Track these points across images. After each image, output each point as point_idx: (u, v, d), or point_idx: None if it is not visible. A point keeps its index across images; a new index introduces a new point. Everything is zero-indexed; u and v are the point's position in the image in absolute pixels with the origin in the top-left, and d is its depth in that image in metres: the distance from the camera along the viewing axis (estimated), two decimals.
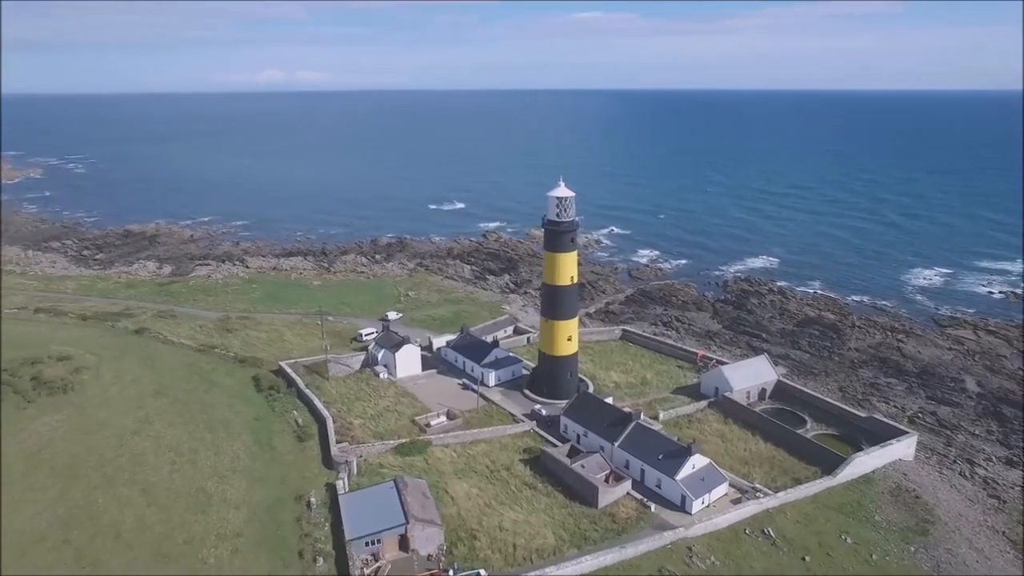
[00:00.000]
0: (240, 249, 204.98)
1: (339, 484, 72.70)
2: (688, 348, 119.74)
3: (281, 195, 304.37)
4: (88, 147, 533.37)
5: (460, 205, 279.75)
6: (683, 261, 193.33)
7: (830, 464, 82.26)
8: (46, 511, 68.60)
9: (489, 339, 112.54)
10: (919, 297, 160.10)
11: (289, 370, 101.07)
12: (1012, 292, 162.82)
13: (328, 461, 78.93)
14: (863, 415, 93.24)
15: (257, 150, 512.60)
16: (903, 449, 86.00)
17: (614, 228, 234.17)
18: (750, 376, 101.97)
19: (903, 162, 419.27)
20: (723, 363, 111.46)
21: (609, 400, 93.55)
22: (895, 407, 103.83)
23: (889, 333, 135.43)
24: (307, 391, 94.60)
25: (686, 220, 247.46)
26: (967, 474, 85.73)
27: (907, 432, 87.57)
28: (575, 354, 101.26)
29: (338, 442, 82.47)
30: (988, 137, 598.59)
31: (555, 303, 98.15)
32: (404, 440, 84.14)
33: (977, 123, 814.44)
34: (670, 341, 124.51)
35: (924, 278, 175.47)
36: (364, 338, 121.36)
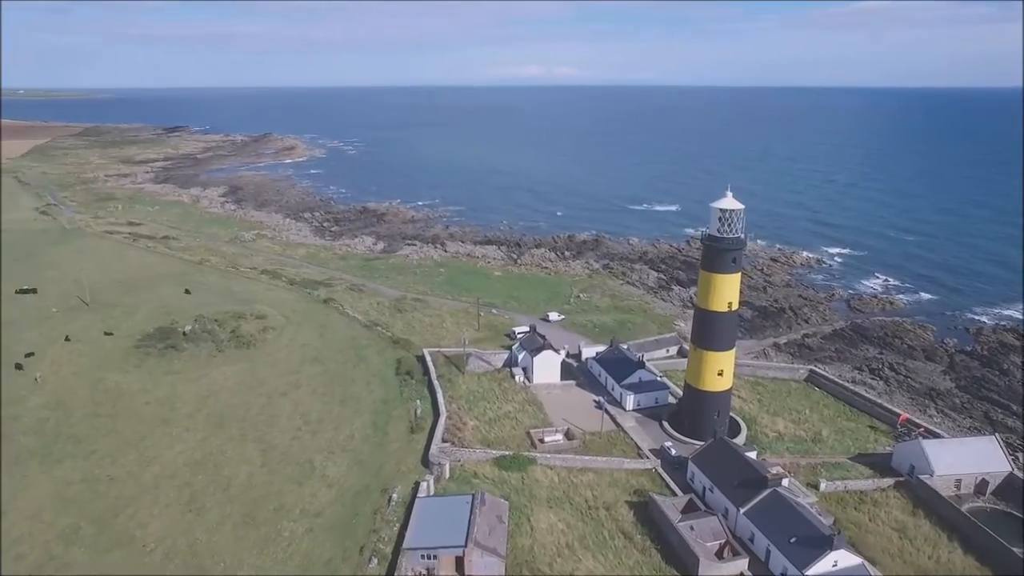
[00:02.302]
0: (447, 233, 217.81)
1: (423, 486, 71.14)
2: (890, 407, 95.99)
3: (503, 184, 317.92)
4: (369, 132, 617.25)
5: (674, 208, 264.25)
6: (926, 296, 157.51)
7: None
8: (187, 452, 78.21)
9: (641, 357, 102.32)
10: None
11: (428, 358, 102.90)
12: None
13: (428, 458, 78.07)
14: None
15: (498, 139, 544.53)
16: None
17: (846, 247, 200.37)
18: (965, 459, 77.86)
19: None
20: (934, 434, 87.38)
21: (752, 454, 78.37)
22: None
23: None
24: (436, 382, 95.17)
25: (947, 246, 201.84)
26: None
27: None
28: (727, 391, 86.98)
29: (444, 441, 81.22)
30: None
31: (707, 331, 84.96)
32: (508, 452, 79.83)
33: None
34: (868, 393, 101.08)
35: None
36: (516, 336, 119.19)
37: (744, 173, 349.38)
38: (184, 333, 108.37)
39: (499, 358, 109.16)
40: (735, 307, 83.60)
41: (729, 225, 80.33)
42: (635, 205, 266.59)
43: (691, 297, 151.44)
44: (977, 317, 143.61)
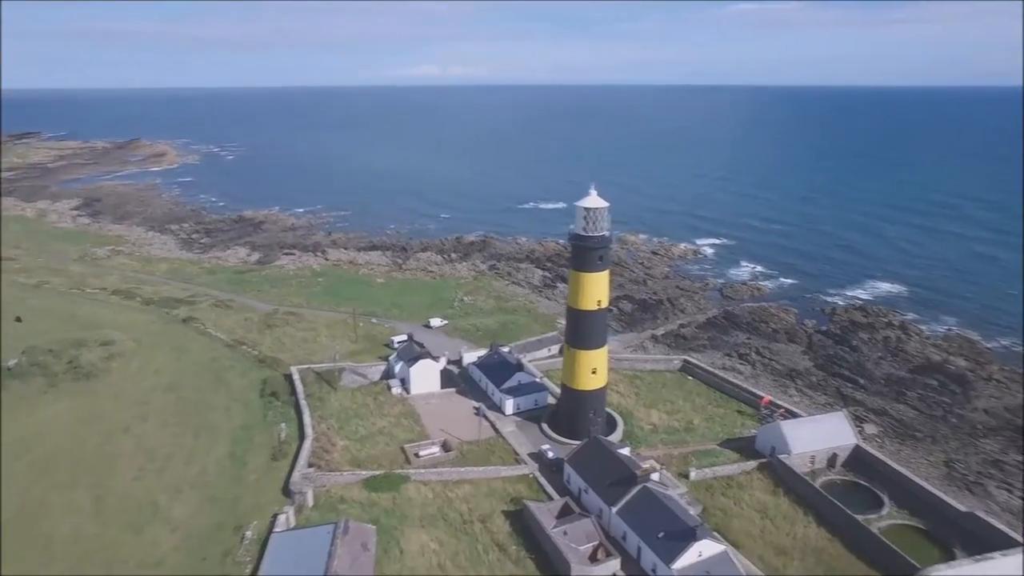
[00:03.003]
0: (329, 240, 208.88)
1: (281, 519, 65.85)
2: (754, 390, 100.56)
3: (391, 187, 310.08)
4: (250, 136, 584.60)
5: (560, 205, 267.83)
6: (791, 280, 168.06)
7: (898, 571, 62.67)
8: (3, 504, 68.23)
9: (519, 360, 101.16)
10: None
11: (297, 376, 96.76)
12: None
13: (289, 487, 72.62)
14: (963, 509, 70.81)
15: (388, 142, 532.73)
16: (1010, 568, 63.53)
17: (718, 239, 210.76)
18: (818, 436, 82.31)
19: None
20: (793, 414, 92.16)
21: (626, 450, 78.98)
22: (1020, 499, 78.96)
23: None
24: (304, 402, 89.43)
25: (808, 233, 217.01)
26: None
27: (1021, 543, 64.75)
28: (602, 389, 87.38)
29: (309, 466, 76.09)
30: None
31: (578, 330, 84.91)
32: (378, 472, 75.88)
33: None
34: (734, 379, 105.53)
35: None
36: (395, 345, 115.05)
37: (624, 169, 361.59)
38: (9, 369, 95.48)
39: (377, 370, 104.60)
40: (605, 304, 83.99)
41: (594, 223, 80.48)
42: (523, 204, 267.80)
43: None
44: (831, 298, 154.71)
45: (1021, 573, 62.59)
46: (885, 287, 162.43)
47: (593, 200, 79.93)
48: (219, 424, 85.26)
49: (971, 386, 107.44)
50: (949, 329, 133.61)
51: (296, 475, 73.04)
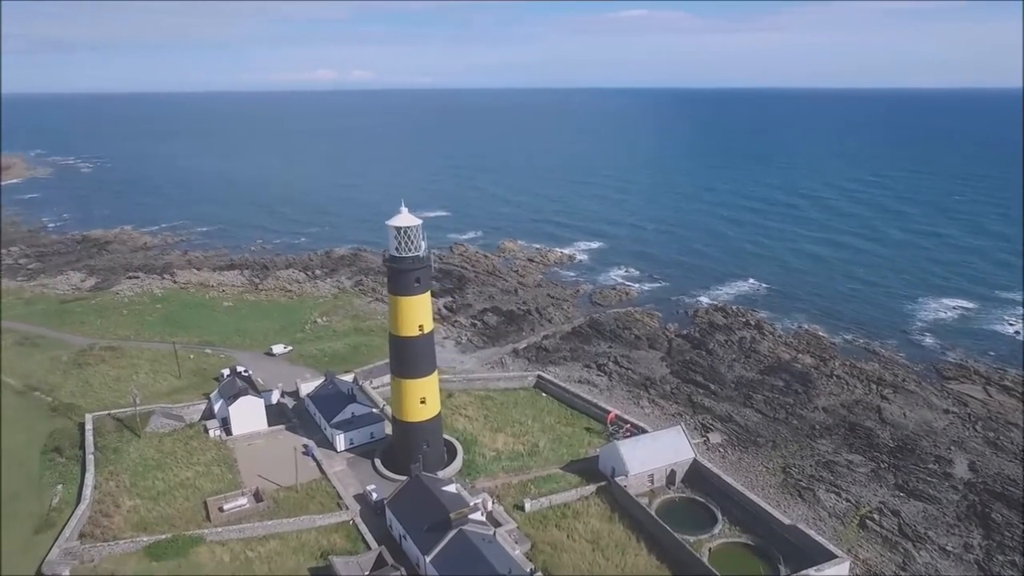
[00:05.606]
0: (184, 259, 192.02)
1: None
2: (604, 405, 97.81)
3: (268, 197, 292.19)
4: (113, 145, 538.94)
5: (442, 213, 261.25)
6: (659, 284, 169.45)
7: None
8: None
9: (352, 389, 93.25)
10: (925, 337, 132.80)
11: (89, 425, 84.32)
12: None
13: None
14: (787, 522, 69.90)
15: (273, 149, 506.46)
16: None
17: (593, 242, 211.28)
18: (655, 454, 79.81)
19: (935, 167, 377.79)
20: (639, 429, 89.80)
21: (452, 487, 73.09)
22: (847, 500, 79.76)
23: (874, 386, 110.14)
24: (90, 457, 77.56)
25: (678, 234, 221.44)
26: None
27: (837, 556, 64.06)
28: (435, 419, 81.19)
29: (81, 535, 65.04)
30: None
31: (401, 358, 78.38)
32: (165, 536, 65.94)
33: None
34: (586, 394, 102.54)
35: (940, 310, 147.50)
36: (225, 379, 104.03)
37: (505, 174, 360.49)
38: None
39: (196, 410, 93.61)
40: (428, 329, 77.92)
41: (408, 243, 74.22)
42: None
43: (440, 309, 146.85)
44: (696, 299, 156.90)
45: None
46: (748, 285, 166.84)
47: (405, 218, 73.71)
48: None
49: (813, 384, 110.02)
50: (799, 327, 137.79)
51: (55, 551, 61.95)
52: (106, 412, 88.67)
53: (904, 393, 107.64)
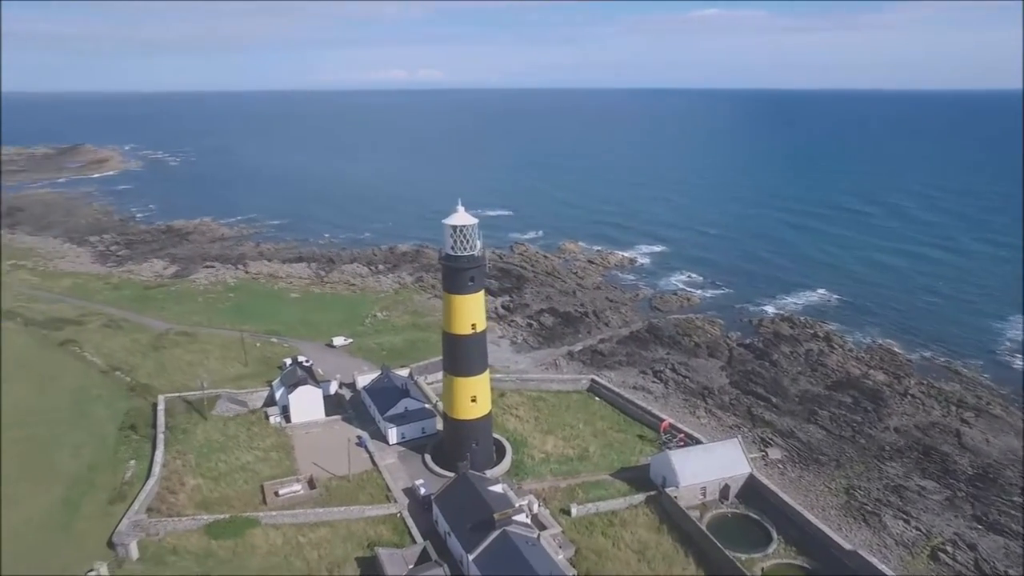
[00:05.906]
0: (257, 251, 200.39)
1: None
2: (658, 413, 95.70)
3: (339, 193, 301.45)
4: (202, 140, 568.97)
5: (504, 212, 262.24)
6: (722, 291, 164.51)
7: None
8: None
9: (405, 384, 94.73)
10: (1015, 358, 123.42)
11: (162, 406, 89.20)
12: None
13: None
14: (847, 547, 66.41)
15: (346, 147, 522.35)
16: None
17: (655, 246, 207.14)
18: (709, 466, 77.54)
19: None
20: (693, 439, 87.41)
21: (499, 487, 73.16)
22: (917, 528, 75.01)
23: (953, 408, 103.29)
24: (161, 436, 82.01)
25: (742, 240, 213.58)
26: None
27: None
28: (485, 418, 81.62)
29: (149, 509, 68.90)
30: None
31: (454, 356, 79.31)
32: (224, 516, 68.98)
33: None
34: (640, 400, 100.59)
35: None
36: (287, 368, 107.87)
37: (568, 174, 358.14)
38: None
39: (260, 397, 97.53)
40: (481, 328, 78.42)
41: (463, 242, 74.87)
42: (470, 211, 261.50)
43: (497, 308, 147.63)
44: (762, 307, 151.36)
45: None
46: (817, 295, 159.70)
47: (461, 217, 74.43)
48: (61, 465, 77.48)
49: (885, 403, 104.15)
50: (872, 341, 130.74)
51: (125, 523, 65.82)
52: (177, 394, 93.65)
53: (988, 417, 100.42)
